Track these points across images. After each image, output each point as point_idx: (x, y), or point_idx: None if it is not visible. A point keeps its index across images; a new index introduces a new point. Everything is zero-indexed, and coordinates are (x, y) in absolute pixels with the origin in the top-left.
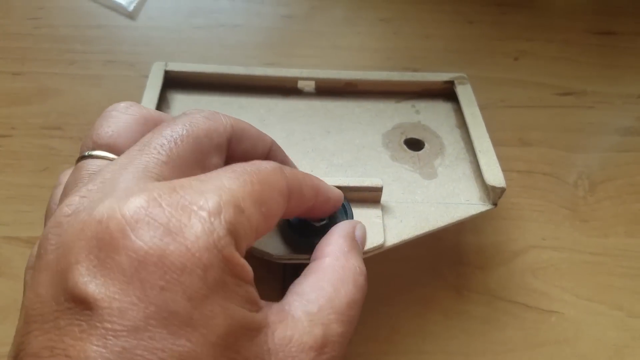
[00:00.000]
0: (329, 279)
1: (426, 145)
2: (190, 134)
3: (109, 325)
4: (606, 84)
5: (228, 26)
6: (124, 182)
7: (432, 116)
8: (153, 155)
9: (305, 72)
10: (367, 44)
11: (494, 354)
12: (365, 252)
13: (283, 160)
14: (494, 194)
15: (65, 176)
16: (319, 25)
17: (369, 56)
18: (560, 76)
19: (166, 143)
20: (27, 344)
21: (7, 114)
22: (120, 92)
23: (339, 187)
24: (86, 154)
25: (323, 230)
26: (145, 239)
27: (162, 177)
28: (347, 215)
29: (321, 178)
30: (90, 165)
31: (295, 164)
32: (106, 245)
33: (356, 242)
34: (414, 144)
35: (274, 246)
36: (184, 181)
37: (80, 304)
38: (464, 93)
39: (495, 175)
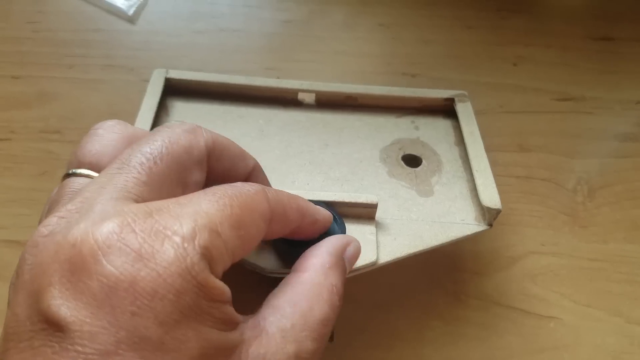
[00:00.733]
0: (305, 295)
1: (424, 162)
2: (170, 151)
3: (79, 348)
4: (605, 89)
5: (228, 31)
6: (101, 204)
7: (431, 132)
8: (133, 175)
9: (305, 84)
10: (366, 49)
11: None
12: (357, 269)
13: (263, 183)
14: (489, 215)
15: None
16: (319, 30)
17: (368, 61)
18: (559, 82)
19: (145, 162)
20: None
21: (7, 117)
22: (119, 97)
23: (333, 202)
24: (70, 171)
25: (316, 243)
26: (117, 265)
27: (141, 198)
28: (338, 223)
29: (317, 191)
30: (74, 183)
31: (292, 176)
32: (78, 269)
33: (342, 260)
34: (412, 160)
35: (265, 260)
36: (162, 204)
37: (53, 326)
38: (464, 111)
39: (491, 196)
